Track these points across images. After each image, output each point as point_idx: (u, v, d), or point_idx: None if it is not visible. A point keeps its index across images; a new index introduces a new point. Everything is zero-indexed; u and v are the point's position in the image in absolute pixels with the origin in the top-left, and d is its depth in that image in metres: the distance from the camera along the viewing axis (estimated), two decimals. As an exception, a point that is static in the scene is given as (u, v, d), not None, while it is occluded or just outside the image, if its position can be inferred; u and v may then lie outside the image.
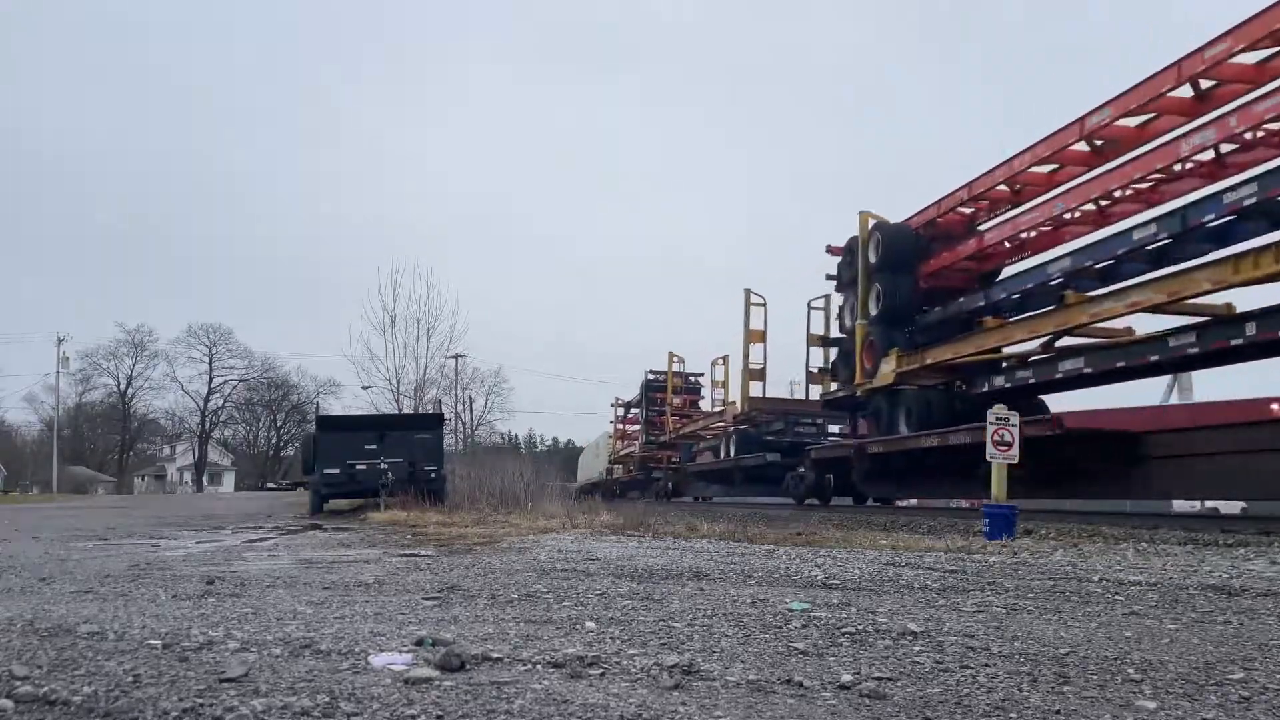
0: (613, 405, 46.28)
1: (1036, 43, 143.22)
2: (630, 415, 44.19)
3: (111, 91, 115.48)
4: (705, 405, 35.63)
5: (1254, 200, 10.62)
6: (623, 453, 44.20)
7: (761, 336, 24.96)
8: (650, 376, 38.42)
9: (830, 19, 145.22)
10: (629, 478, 42.00)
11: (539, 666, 2.92)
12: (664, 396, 36.78)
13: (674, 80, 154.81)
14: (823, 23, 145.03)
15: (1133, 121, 12.87)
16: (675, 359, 37.46)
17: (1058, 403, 16.35)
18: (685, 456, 33.72)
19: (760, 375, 25.20)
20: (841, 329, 20.21)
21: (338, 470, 18.55)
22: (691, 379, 37.32)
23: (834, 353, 21.05)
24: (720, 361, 31.96)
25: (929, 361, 16.70)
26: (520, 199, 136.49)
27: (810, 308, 22.37)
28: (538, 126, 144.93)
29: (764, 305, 24.78)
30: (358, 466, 18.45)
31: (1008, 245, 15.90)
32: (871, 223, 18.52)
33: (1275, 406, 11.44)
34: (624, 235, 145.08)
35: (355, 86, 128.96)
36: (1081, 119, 13.35)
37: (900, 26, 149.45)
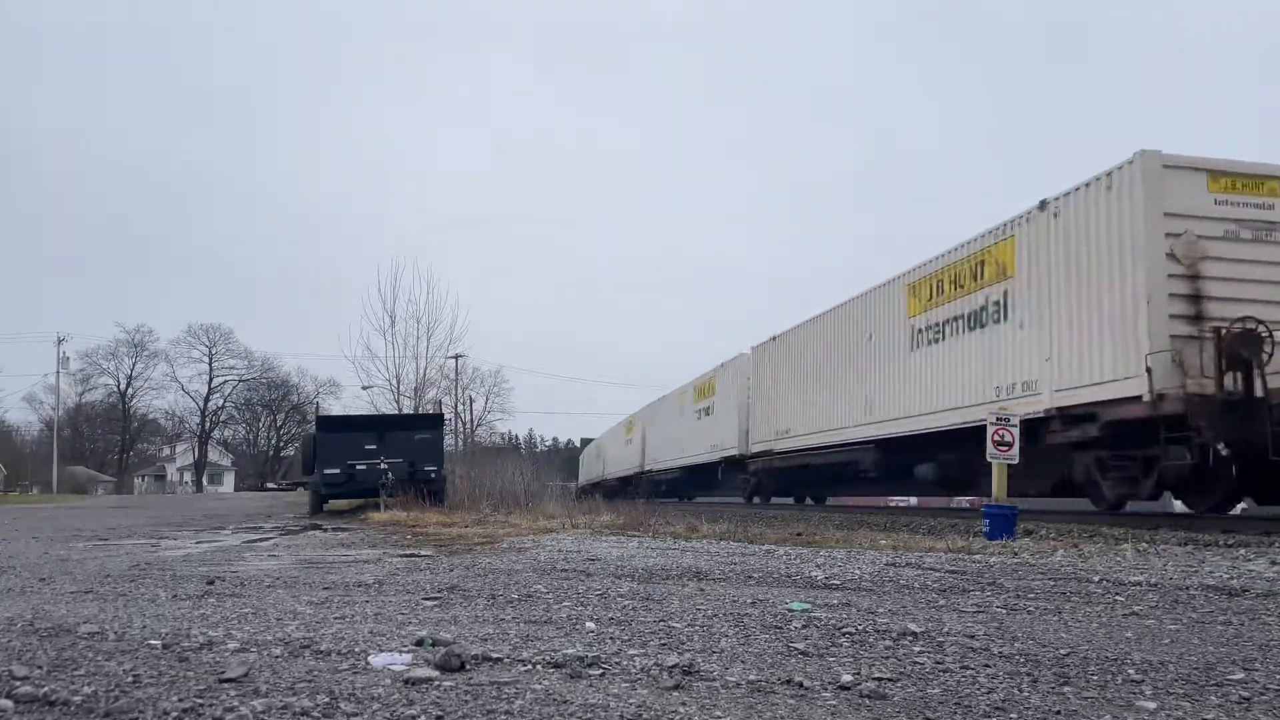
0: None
1: (1036, 43, 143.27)
2: None
3: (112, 93, 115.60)
4: None
5: None
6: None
7: None
8: None
9: (828, 19, 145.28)
10: None
11: (539, 667, 2.92)
12: None
13: (673, 81, 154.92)
14: (820, 24, 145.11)
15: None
16: None
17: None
18: None
19: None
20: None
21: (338, 470, 18.51)
22: None
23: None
24: None
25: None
26: (520, 199, 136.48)
27: None
28: (538, 126, 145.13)
29: None
30: (358, 467, 18.41)
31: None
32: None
33: None
34: (625, 236, 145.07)
35: (356, 87, 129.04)
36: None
37: (906, 29, 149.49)
